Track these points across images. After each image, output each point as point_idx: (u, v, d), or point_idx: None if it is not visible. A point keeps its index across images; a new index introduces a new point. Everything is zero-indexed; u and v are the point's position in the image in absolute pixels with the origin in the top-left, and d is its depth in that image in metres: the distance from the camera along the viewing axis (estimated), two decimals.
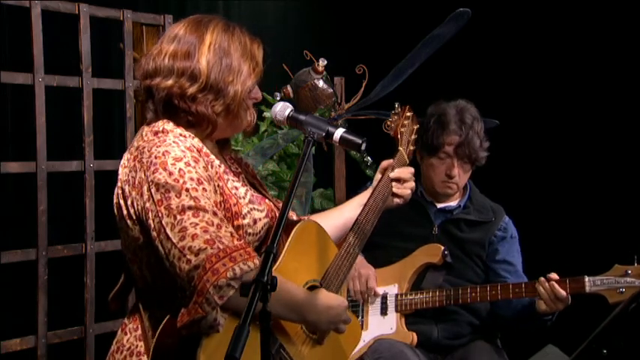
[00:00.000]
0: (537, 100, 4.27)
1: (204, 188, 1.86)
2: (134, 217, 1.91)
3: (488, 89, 4.01)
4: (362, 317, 2.98)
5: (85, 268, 3.16)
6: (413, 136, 2.53)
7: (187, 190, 1.83)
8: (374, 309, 2.97)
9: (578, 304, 2.77)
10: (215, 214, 1.84)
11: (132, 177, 1.92)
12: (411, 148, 2.51)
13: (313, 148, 2.64)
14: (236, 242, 1.82)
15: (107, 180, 3.37)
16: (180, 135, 1.95)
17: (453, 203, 3.08)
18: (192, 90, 1.95)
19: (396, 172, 2.37)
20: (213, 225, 1.82)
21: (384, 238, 3.06)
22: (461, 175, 3.00)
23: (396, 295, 2.95)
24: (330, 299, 2.02)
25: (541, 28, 4.27)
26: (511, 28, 4.29)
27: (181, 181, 1.84)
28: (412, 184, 2.39)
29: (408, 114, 2.55)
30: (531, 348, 2.99)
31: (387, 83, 3.39)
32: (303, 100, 3.37)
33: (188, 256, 1.78)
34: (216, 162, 1.99)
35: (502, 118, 3.37)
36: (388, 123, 2.55)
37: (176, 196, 1.83)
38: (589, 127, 4.13)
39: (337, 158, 3.66)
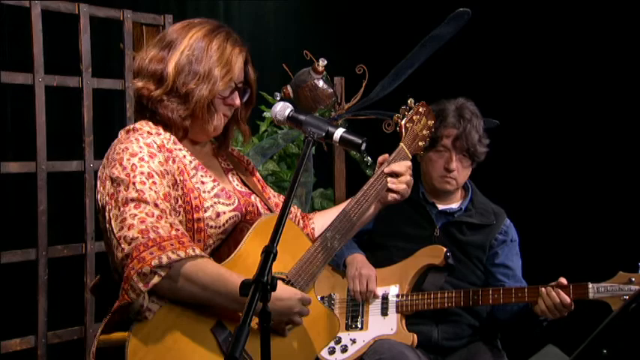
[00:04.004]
0: (539, 101, 4.26)
1: (153, 182, 1.94)
2: (101, 210, 2.00)
3: (489, 89, 4.01)
4: (362, 317, 2.98)
5: (85, 268, 3.16)
6: (424, 132, 2.46)
7: (134, 183, 1.93)
8: (374, 309, 2.97)
9: (578, 305, 2.77)
10: (156, 205, 1.91)
11: (101, 173, 2.03)
12: (420, 144, 2.45)
13: (313, 148, 2.65)
14: (173, 233, 1.89)
15: None
16: (147, 132, 2.05)
17: (454, 205, 3.08)
18: (157, 93, 2.06)
19: (391, 166, 2.32)
20: (152, 216, 1.89)
21: (385, 239, 3.06)
22: (459, 170, 2.99)
23: (397, 296, 2.95)
24: (281, 291, 2.00)
25: (541, 28, 4.26)
26: (511, 28, 4.28)
27: (132, 175, 1.94)
28: (408, 178, 2.33)
29: (421, 109, 2.47)
30: (531, 348, 2.99)
31: (387, 83, 3.39)
32: (303, 100, 3.36)
33: (122, 245, 1.87)
34: (188, 158, 2.07)
35: (503, 119, 3.36)
36: (395, 117, 2.46)
37: (124, 189, 1.92)
38: (594, 131, 4.11)
39: (337, 158, 3.65)
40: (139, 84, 2.09)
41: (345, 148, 3.38)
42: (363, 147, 2.19)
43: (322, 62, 3.32)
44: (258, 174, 2.38)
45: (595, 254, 3.86)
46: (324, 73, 3.36)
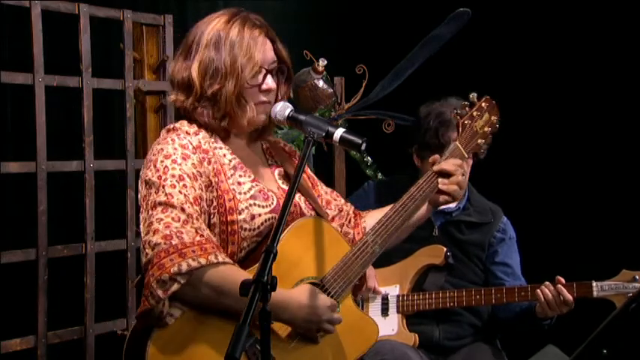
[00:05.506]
0: (541, 98, 4.26)
1: (184, 185, 1.92)
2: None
3: (489, 89, 3.99)
4: None
5: (85, 268, 3.16)
6: (486, 129, 2.35)
7: (164, 186, 1.91)
8: (375, 309, 2.97)
9: (578, 304, 2.77)
10: (183, 210, 1.88)
11: (141, 173, 2.03)
12: (480, 141, 2.33)
13: (313, 148, 2.64)
14: (197, 238, 1.86)
15: (107, 180, 3.37)
16: (186, 132, 2.03)
17: (451, 205, 3.07)
18: (189, 102, 2.04)
19: (441, 165, 2.21)
20: (178, 221, 1.87)
21: None
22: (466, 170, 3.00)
23: (398, 296, 2.95)
24: (307, 297, 1.95)
25: (541, 28, 4.27)
26: (511, 28, 4.28)
27: (163, 177, 1.93)
28: (459, 178, 2.20)
29: (484, 104, 2.37)
30: (531, 348, 2.99)
31: (387, 83, 3.38)
32: (303, 100, 3.36)
33: (146, 250, 1.86)
34: (228, 157, 2.04)
35: (504, 117, 3.36)
36: (453, 115, 2.34)
37: (155, 192, 1.92)
38: (596, 128, 4.10)
39: (337, 158, 3.65)
40: (172, 96, 2.08)
41: (345, 148, 3.39)
42: (363, 147, 2.18)
43: (322, 62, 3.32)
44: (309, 170, 2.28)
45: (598, 252, 3.86)
46: (324, 73, 3.36)
